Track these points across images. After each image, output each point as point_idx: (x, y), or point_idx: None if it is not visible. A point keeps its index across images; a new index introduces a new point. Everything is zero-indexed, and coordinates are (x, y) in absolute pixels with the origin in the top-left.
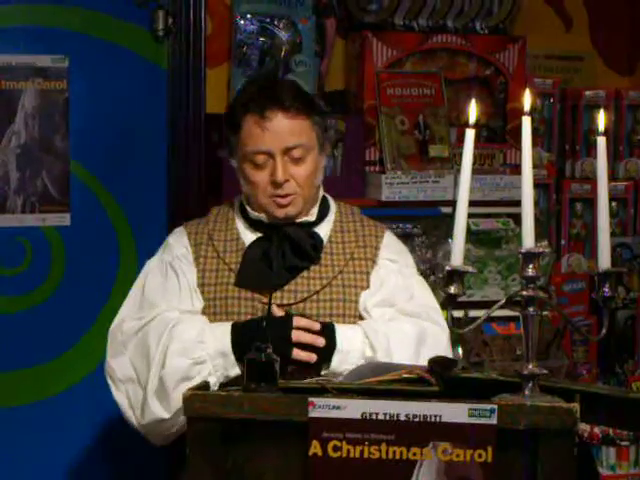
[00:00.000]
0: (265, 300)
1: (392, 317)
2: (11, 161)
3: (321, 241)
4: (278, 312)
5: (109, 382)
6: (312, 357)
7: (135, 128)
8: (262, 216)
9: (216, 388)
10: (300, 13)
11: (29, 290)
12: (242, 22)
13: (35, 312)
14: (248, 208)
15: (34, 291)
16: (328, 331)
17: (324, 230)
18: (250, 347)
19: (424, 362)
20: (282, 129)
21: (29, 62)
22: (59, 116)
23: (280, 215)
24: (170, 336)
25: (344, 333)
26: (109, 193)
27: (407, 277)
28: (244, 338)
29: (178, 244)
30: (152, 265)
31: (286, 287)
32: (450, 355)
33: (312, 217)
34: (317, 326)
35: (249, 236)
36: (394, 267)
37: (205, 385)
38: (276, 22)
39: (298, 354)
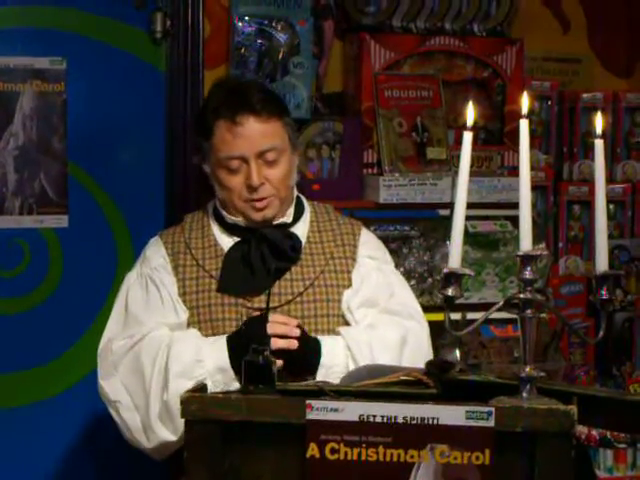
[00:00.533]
0: (249, 305)
1: (374, 321)
2: (9, 163)
3: (299, 241)
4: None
5: (104, 401)
6: (293, 343)
7: (133, 130)
8: (239, 220)
9: None
10: (298, 15)
11: (27, 292)
12: (240, 24)
13: (33, 314)
14: (224, 213)
15: (32, 293)
16: (314, 344)
17: (301, 230)
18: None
19: (407, 362)
20: (254, 133)
21: (27, 64)
22: (57, 118)
23: (258, 218)
24: (167, 358)
25: (327, 347)
26: (107, 195)
27: (387, 274)
28: (241, 350)
29: (155, 255)
30: (132, 279)
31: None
32: (431, 352)
33: (289, 218)
34: (294, 321)
35: (226, 241)
36: (374, 264)
37: (202, 387)
38: (274, 24)
39: (276, 342)
